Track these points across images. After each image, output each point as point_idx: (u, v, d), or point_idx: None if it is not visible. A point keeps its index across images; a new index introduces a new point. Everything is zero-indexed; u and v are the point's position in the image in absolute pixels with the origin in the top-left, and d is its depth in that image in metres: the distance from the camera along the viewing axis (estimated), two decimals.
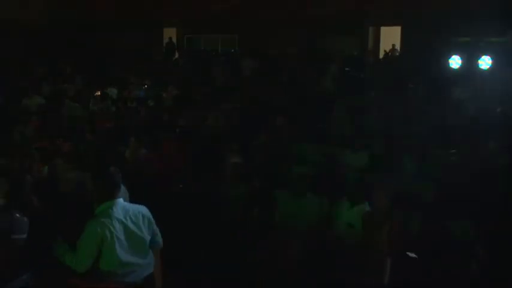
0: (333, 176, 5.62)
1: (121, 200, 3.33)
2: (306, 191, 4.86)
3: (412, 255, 4.25)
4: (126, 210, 3.29)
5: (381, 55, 14.75)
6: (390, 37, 15.00)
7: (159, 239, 3.60)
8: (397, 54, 14.50)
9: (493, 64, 8.99)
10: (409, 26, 13.57)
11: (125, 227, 3.21)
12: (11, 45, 12.97)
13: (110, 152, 6.25)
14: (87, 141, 7.00)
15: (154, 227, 3.54)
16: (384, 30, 15.46)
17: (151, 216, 3.49)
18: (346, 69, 12.65)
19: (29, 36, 13.49)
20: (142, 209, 3.43)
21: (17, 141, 7.25)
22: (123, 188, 4.36)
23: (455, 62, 9.39)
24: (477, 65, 9.13)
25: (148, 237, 3.40)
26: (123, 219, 3.23)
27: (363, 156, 6.10)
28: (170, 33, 16.66)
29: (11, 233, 3.31)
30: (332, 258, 4.47)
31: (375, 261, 4.29)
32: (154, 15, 15.20)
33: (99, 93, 10.77)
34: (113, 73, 12.90)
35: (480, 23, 10.61)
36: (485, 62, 9.11)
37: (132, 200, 4.50)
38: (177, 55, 16.07)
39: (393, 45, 14.67)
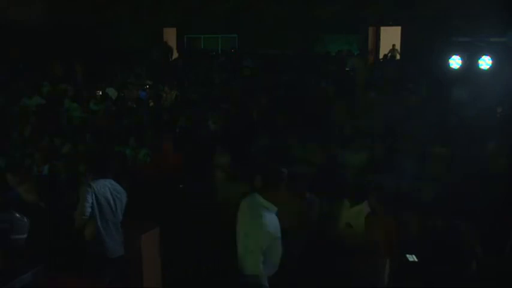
0: (332, 176, 5.62)
1: None
2: (305, 191, 4.86)
3: (412, 258, 4.25)
4: None
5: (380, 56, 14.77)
6: (390, 37, 15.00)
7: None
8: (397, 54, 14.50)
9: (493, 64, 8.98)
10: (409, 26, 13.57)
11: None
12: (10, 45, 12.96)
13: (110, 152, 6.26)
14: (87, 142, 7.00)
15: None
16: (384, 30, 15.46)
17: None
18: (347, 69, 12.65)
19: (28, 36, 13.48)
20: None
21: (17, 141, 7.26)
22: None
23: (455, 62, 9.38)
24: (477, 65, 9.12)
25: None
26: None
27: (363, 157, 6.10)
28: (170, 33, 16.66)
29: (11, 233, 3.31)
30: (331, 258, 4.47)
31: (373, 261, 4.29)
32: (154, 15, 15.21)
33: (99, 93, 10.77)
34: (113, 73, 12.90)
35: (480, 23, 10.61)
36: (485, 62, 9.10)
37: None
38: (176, 55, 16.08)
39: (393, 45, 14.67)
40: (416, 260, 4.25)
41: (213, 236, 4.66)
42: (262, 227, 3.25)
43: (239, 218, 3.50)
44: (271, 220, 3.32)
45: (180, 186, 5.78)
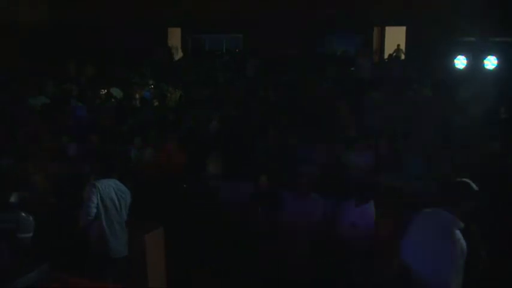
0: (337, 177, 5.62)
1: None
2: (310, 191, 4.86)
3: None
4: None
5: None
6: (395, 37, 14.97)
7: None
8: (402, 54, 14.47)
9: (499, 64, 8.95)
10: (414, 26, 13.54)
11: None
12: (15, 46, 13.03)
13: (115, 152, 6.29)
14: (92, 141, 7.02)
15: None
16: (389, 30, 15.43)
17: None
18: (352, 69, 12.63)
19: (32, 37, 13.54)
20: None
21: (22, 141, 7.28)
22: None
23: (460, 62, 9.36)
24: (483, 65, 9.09)
25: None
26: None
27: (368, 157, 6.10)
28: (175, 33, 16.68)
29: (17, 232, 3.35)
30: (336, 259, 4.48)
31: (379, 261, 4.29)
32: (159, 15, 15.22)
33: (104, 93, 10.81)
34: (117, 73, 12.93)
35: (486, 23, 10.57)
36: (490, 62, 9.07)
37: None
38: (181, 55, 16.10)
39: (398, 45, 14.64)
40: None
41: (217, 236, 4.67)
42: (460, 248, 3.06)
43: (417, 235, 3.23)
44: (462, 238, 3.13)
45: (184, 186, 5.79)
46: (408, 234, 3.32)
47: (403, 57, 14.40)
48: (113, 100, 10.13)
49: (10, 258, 3.16)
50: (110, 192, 4.28)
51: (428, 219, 3.23)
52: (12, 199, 4.07)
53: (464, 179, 3.28)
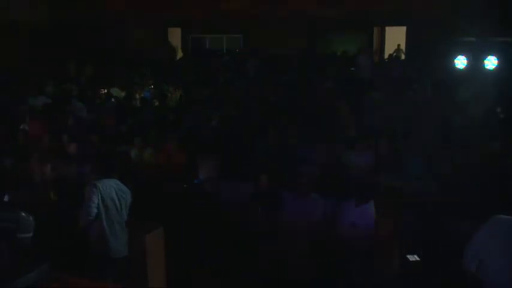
0: (337, 177, 5.62)
1: None
2: (310, 191, 4.87)
3: (414, 258, 4.25)
4: None
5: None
6: (395, 37, 14.98)
7: None
8: (402, 54, 14.47)
9: (499, 64, 8.96)
10: (414, 26, 13.54)
11: None
12: (15, 46, 13.02)
13: (115, 152, 6.29)
14: (92, 141, 7.03)
15: None
16: (389, 30, 15.44)
17: None
18: (352, 69, 12.63)
19: (32, 36, 13.54)
20: None
21: (22, 141, 7.29)
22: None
23: (460, 62, 9.36)
24: (483, 65, 9.09)
25: None
26: None
27: (368, 157, 6.10)
28: (175, 33, 16.69)
29: (17, 232, 3.34)
30: (336, 258, 4.48)
31: (379, 261, 4.30)
32: (159, 14, 15.22)
33: (104, 93, 10.81)
34: (117, 73, 12.93)
35: (486, 23, 10.58)
36: (490, 62, 9.08)
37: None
38: (181, 55, 16.11)
39: (398, 45, 14.65)
40: (418, 259, 4.24)
41: (217, 236, 4.68)
42: None
43: (497, 245, 3.12)
44: None
45: (184, 186, 5.80)
46: (480, 245, 3.20)
47: (403, 57, 14.41)
48: (112, 100, 10.13)
49: (10, 258, 3.15)
50: (111, 192, 4.28)
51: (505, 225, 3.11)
52: (5, 199, 4.07)
53: None
